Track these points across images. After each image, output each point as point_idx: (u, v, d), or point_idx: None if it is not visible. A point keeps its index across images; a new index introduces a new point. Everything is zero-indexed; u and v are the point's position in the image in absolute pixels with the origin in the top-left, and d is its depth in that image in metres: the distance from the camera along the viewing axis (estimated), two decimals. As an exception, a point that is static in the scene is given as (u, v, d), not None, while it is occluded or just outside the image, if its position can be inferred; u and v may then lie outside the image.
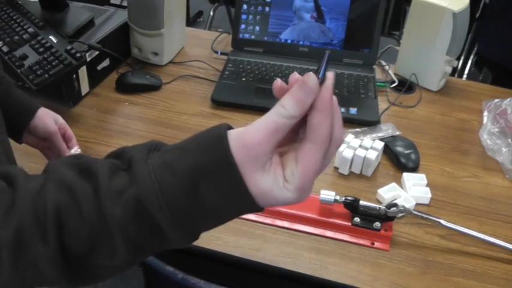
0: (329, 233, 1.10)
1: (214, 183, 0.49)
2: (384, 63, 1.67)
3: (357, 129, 1.38)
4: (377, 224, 1.08)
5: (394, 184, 1.21)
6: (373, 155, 1.22)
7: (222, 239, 1.07)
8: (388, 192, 1.18)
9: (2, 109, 0.86)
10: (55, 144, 1.07)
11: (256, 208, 0.51)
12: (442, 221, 1.07)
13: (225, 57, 1.63)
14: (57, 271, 0.50)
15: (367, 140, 1.27)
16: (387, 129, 1.38)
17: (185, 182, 0.49)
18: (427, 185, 1.22)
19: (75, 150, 1.10)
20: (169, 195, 0.49)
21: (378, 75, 1.61)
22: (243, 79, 1.53)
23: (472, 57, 2.14)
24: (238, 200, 0.50)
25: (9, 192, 0.50)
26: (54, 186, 0.50)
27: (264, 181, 0.50)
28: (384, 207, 1.07)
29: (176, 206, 0.49)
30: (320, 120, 0.51)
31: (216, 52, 1.68)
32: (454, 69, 1.90)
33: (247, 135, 0.51)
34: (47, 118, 1.07)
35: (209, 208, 0.50)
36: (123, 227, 0.49)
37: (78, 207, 0.49)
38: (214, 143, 0.51)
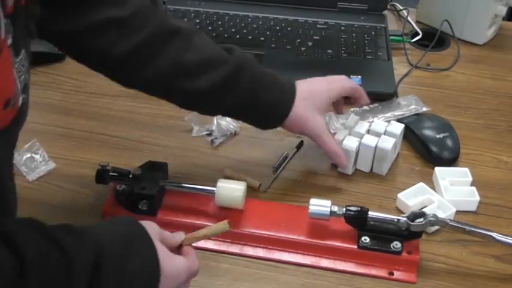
0: (326, 262, 1.10)
1: None
2: (400, 6, 1.68)
3: (364, 107, 1.38)
4: (396, 245, 1.09)
5: (421, 185, 1.21)
6: (389, 143, 1.23)
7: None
8: (413, 198, 1.19)
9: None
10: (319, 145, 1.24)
11: None
12: (495, 235, 1.07)
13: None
14: None
15: (378, 122, 1.27)
16: (408, 105, 1.39)
17: None
18: (473, 184, 1.23)
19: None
20: None
21: (392, 25, 1.62)
22: (189, 40, 1.53)
23: None
24: None
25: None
26: None
27: None
28: (405, 219, 1.07)
29: None
30: None
31: (147, 2, 1.69)
32: (510, 10, 1.91)
33: None
34: (307, 115, 1.20)
35: None
36: None
37: None
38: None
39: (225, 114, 1.22)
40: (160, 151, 1.28)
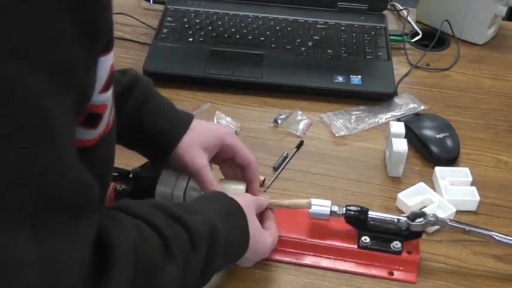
0: (326, 262, 1.10)
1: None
2: (400, 6, 1.68)
3: (361, 108, 1.40)
4: (396, 244, 1.09)
5: (421, 184, 1.21)
6: (403, 145, 1.22)
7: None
8: (413, 197, 1.19)
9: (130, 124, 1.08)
10: (199, 184, 1.10)
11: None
12: (495, 235, 1.07)
13: (161, 6, 1.63)
14: None
15: (394, 124, 1.27)
16: (406, 104, 1.40)
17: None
18: (473, 184, 1.23)
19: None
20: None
21: (392, 25, 1.62)
22: (190, 39, 1.53)
23: None
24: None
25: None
26: None
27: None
28: (406, 219, 1.07)
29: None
30: None
31: (148, 0, 1.69)
32: (511, 10, 1.91)
33: None
34: (190, 150, 1.09)
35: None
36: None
37: None
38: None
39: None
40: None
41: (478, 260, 1.12)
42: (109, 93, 0.79)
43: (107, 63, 0.75)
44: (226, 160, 1.14)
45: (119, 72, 1.08)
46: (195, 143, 1.08)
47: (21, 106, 0.62)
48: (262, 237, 1.03)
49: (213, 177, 1.09)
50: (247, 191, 1.11)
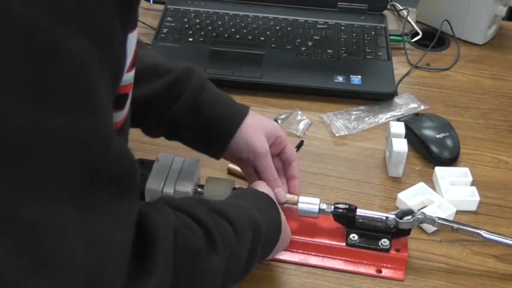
0: (314, 260, 1.10)
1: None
2: (400, 6, 1.68)
3: (361, 108, 1.40)
4: (384, 242, 1.09)
5: (421, 184, 1.21)
6: (403, 145, 1.22)
7: None
8: (413, 197, 1.19)
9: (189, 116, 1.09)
10: (260, 169, 1.11)
11: None
12: (483, 232, 1.07)
13: (161, 6, 1.64)
14: None
15: (394, 124, 1.27)
16: (406, 104, 1.40)
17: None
18: (473, 184, 1.23)
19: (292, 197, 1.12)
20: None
21: (392, 25, 1.62)
22: (190, 39, 1.54)
23: None
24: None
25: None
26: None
27: None
28: (394, 216, 1.07)
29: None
30: None
31: (148, 0, 1.70)
32: (511, 11, 1.91)
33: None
34: (255, 133, 1.10)
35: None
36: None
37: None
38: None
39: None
40: (160, 150, 1.27)
41: (478, 260, 1.12)
42: (133, 72, 0.80)
43: (133, 40, 0.76)
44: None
45: (167, 63, 1.12)
46: (257, 127, 1.10)
47: (67, 69, 0.61)
48: (286, 230, 1.04)
49: (273, 164, 1.11)
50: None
